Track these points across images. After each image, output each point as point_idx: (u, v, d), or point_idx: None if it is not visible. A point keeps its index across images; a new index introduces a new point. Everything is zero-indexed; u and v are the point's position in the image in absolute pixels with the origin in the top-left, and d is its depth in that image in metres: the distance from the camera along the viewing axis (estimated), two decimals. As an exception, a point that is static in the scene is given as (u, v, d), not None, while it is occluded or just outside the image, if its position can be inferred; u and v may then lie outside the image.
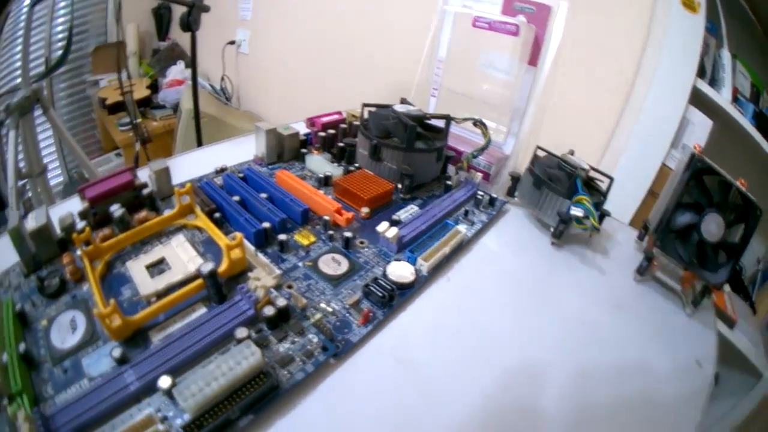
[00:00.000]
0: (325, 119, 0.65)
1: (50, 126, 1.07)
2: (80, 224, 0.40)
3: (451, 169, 0.61)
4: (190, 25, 1.06)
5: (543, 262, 0.49)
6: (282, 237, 0.42)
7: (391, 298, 0.37)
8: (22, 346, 0.29)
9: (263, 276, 0.36)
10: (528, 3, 0.56)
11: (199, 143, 1.34)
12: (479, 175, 0.57)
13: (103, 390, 0.26)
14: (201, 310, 0.35)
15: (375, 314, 0.36)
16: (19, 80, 1.06)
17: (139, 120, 1.71)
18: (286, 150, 0.59)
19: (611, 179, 0.54)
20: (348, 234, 0.43)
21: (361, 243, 0.45)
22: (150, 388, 0.27)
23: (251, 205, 0.47)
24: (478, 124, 0.59)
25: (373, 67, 1.20)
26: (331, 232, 0.44)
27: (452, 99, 0.69)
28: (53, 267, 0.37)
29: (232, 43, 1.75)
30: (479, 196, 0.54)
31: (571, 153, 0.58)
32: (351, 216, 0.46)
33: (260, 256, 0.40)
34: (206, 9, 1.10)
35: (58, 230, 0.39)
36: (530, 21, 0.57)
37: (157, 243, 0.42)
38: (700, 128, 0.77)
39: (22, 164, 0.99)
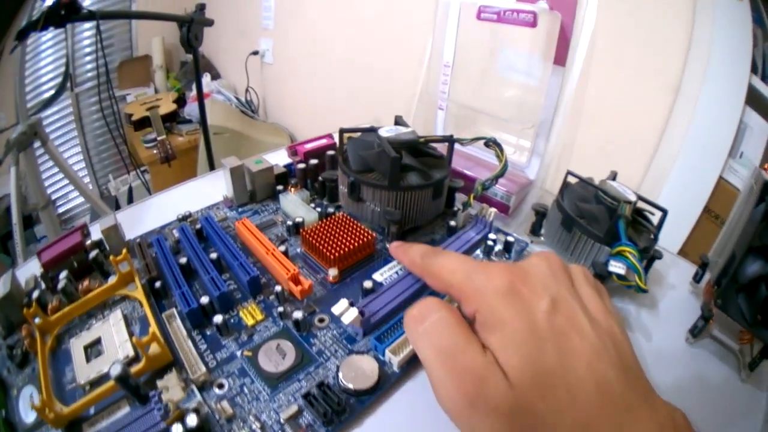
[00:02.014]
0: (309, 146, 0.56)
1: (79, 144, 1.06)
2: (38, 290, 0.39)
3: (461, 200, 0.51)
4: (190, 41, 1.01)
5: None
6: (217, 319, 0.34)
7: (339, 413, 0.28)
8: (2, 413, 0.31)
9: (173, 384, 0.30)
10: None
11: (212, 167, 1.30)
12: (491, 211, 0.47)
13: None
14: (125, 409, 0.30)
15: (315, 435, 0.27)
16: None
17: (163, 136, 1.71)
18: (258, 189, 0.51)
19: (664, 212, 0.42)
20: (298, 315, 0.34)
21: (321, 322, 0.36)
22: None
23: (196, 269, 0.40)
24: (492, 144, 0.48)
25: (399, 77, 1.10)
26: (281, 308, 0.36)
27: (464, 113, 0.58)
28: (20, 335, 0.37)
29: (256, 53, 1.71)
30: (490, 242, 0.44)
31: (613, 177, 0.46)
32: (308, 286, 0.37)
33: (189, 344, 0.33)
34: (209, 23, 1.05)
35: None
36: (554, 7, 0.45)
37: (100, 316, 0.38)
38: (759, 134, 0.63)
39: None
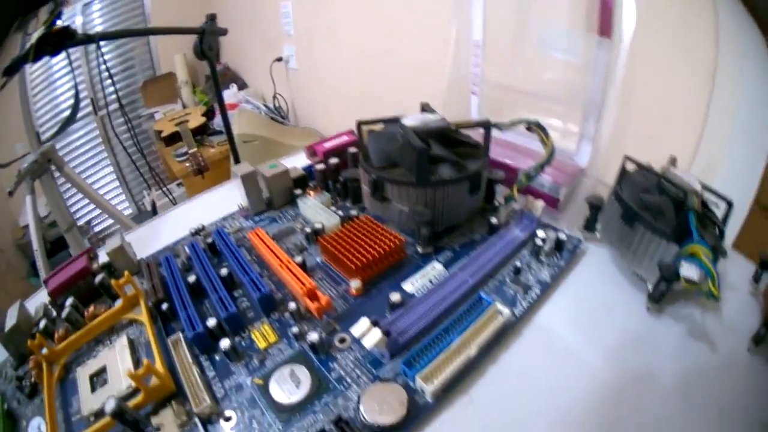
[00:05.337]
0: (328, 144, 0.52)
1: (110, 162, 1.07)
2: (45, 320, 0.37)
3: (502, 193, 0.45)
4: (204, 52, 0.99)
5: (632, 347, 0.32)
6: (224, 344, 0.30)
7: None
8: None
9: (168, 421, 0.27)
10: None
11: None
12: (539, 204, 0.41)
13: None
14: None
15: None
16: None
17: (194, 149, 1.72)
18: (275, 195, 0.48)
19: (729, 204, 0.36)
20: (314, 337, 0.29)
21: (342, 342, 0.31)
22: None
23: (206, 288, 0.36)
24: (535, 128, 0.42)
25: (428, 64, 1.04)
26: (296, 329, 0.31)
27: (500, 97, 0.53)
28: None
29: (280, 60, 1.69)
30: (539, 241, 0.38)
31: (673, 163, 0.40)
32: (327, 302, 0.32)
33: (195, 372, 0.30)
34: (222, 32, 1.03)
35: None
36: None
37: (107, 342, 0.36)
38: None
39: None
